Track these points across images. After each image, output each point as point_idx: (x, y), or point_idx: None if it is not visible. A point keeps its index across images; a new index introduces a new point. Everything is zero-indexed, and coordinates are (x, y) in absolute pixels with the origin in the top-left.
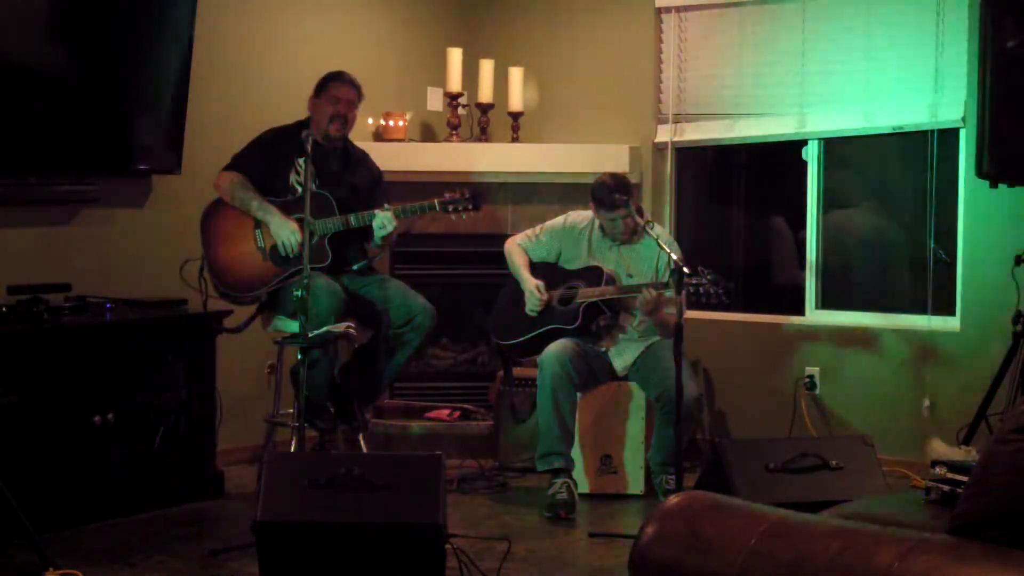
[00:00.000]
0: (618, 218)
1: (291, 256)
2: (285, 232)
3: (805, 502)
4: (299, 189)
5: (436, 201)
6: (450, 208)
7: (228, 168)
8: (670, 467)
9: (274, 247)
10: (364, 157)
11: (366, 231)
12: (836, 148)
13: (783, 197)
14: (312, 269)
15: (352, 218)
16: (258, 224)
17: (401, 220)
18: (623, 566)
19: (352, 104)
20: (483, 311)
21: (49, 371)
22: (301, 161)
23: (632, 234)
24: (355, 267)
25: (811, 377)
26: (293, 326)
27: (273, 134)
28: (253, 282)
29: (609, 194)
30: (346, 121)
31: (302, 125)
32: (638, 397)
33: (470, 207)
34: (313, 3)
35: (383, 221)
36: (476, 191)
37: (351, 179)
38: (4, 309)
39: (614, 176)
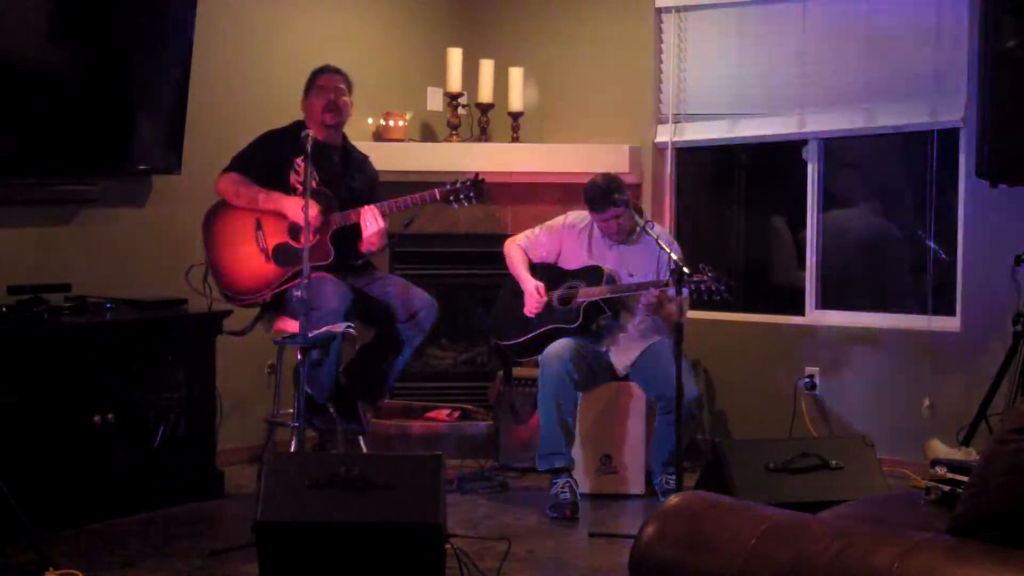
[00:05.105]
0: (610, 219)
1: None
2: (295, 209)
3: (805, 502)
4: (299, 189)
5: (437, 191)
6: (451, 197)
7: (227, 170)
8: (670, 467)
9: (276, 248)
10: (364, 160)
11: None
12: (836, 148)
13: (783, 197)
14: (316, 268)
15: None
16: (259, 225)
17: (387, 218)
18: (623, 566)
19: (340, 91)
20: (483, 311)
21: (49, 371)
22: (300, 161)
23: (629, 234)
24: (358, 263)
25: (811, 377)
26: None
27: (271, 135)
28: (258, 284)
29: (600, 196)
30: (338, 108)
31: (300, 125)
32: (638, 397)
33: (471, 194)
34: (313, 3)
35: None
36: (476, 178)
37: (350, 181)
38: (4, 309)
39: (606, 176)
